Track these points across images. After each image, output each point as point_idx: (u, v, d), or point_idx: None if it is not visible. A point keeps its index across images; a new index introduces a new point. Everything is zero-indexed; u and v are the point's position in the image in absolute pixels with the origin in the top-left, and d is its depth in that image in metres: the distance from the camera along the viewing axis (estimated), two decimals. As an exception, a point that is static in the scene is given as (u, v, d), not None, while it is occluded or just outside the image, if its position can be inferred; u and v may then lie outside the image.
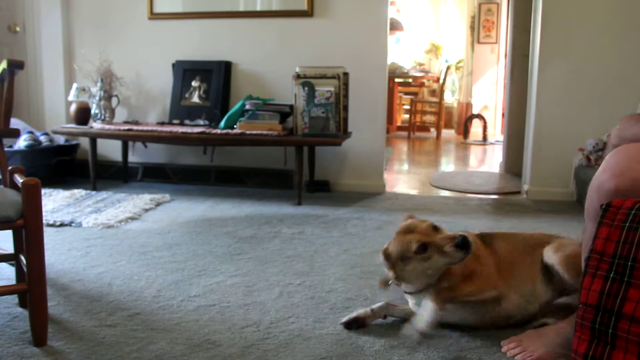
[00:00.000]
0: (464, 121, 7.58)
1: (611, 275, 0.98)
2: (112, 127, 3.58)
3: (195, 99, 3.82)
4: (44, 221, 1.98)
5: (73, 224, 2.80)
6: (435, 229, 1.54)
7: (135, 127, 3.54)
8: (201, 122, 3.69)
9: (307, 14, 3.71)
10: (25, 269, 1.54)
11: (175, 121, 3.76)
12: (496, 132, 7.79)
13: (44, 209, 2.31)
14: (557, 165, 3.53)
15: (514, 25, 4.62)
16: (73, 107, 3.80)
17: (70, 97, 3.82)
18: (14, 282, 1.86)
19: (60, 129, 3.73)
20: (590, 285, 1.00)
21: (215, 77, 3.80)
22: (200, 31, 3.88)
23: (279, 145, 3.57)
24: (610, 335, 0.96)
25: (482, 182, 4.18)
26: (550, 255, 1.62)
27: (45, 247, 1.54)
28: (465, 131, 7.33)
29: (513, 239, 1.75)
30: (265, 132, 3.31)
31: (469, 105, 8.17)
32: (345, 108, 3.45)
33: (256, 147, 3.82)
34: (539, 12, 3.49)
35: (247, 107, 3.46)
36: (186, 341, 1.56)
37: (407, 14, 8.63)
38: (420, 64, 8.58)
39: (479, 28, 8.05)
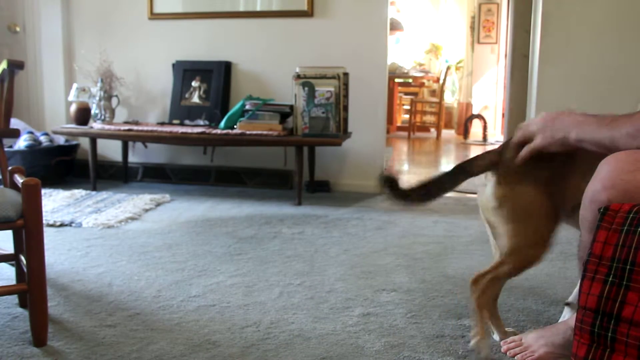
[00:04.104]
0: (464, 121, 7.58)
1: (610, 278, 0.98)
2: (112, 127, 3.58)
3: (195, 99, 3.82)
4: (44, 221, 1.98)
5: (73, 224, 2.80)
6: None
7: (135, 127, 3.55)
8: (201, 122, 3.69)
9: (307, 14, 3.71)
10: (25, 269, 1.54)
11: (175, 121, 3.76)
12: (496, 132, 7.79)
13: (44, 209, 2.31)
14: (557, 165, 3.53)
15: (514, 25, 4.62)
16: (73, 107, 3.80)
17: (70, 97, 3.83)
18: (14, 282, 1.86)
19: (60, 129, 3.74)
20: (589, 289, 1.00)
21: (215, 77, 3.81)
22: (200, 31, 3.88)
23: (279, 146, 3.57)
24: (609, 339, 0.96)
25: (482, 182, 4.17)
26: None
27: (45, 247, 1.54)
28: (465, 131, 7.33)
29: None
30: (265, 132, 3.31)
31: (469, 106, 8.17)
32: (345, 108, 3.45)
33: (256, 147, 3.82)
34: (539, 13, 3.49)
35: (247, 107, 3.46)
36: (186, 341, 1.56)
37: (407, 14, 8.62)
38: (420, 64, 8.58)
39: (479, 28, 8.05)
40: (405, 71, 7.86)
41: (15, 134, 2.37)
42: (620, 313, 0.95)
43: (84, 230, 2.72)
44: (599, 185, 1.08)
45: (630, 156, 1.07)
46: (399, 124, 8.21)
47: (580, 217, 1.16)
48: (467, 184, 1.59)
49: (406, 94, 8.38)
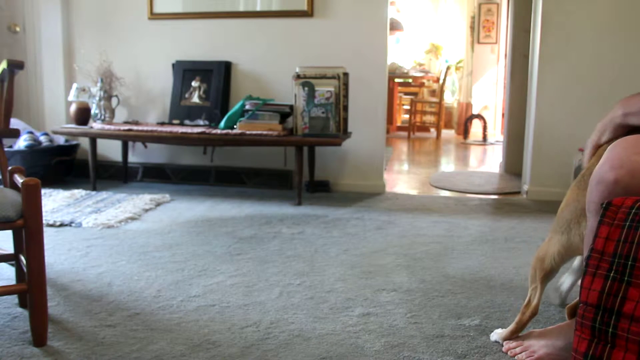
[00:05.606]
0: (464, 121, 7.58)
1: (611, 274, 0.98)
2: (112, 127, 3.58)
3: (195, 99, 3.81)
4: (44, 221, 1.98)
5: (73, 224, 2.80)
6: None
7: (135, 127, 3.54)
8: (201, 122, 3.69)
9: (307, 14, 3.71)
10: (25, 269, 1.54)
11: (175, 121, 3.76)
12: (496, 132, 7.79)
13: (44, 209, 2.31)
14: (557, 165, 3.53)
15: (514, 25, 4.62)
16: (73, 107, 3.80)
17: (70, 97, 3.82)
18: (14, 282, 1.86)
19: (60, 129, 3.73)
20: (590, 285, 1.00)
21: (215, 77, 3.80)
22: (200, 31, 3.88)
23: (279, 146, 3.57)
24: (610, 334, 0.96)
25: (482, 182, 4.18)
26: None
27: (45, 247, 1.54)
28: (465, 131, 7.33)
29: None
30: (265, 132, 3.31)
31: (468, 106, 8.17)
32: (345, 108, 3.45)
33: (256, 147, 3.82)
34: (539, 13, 3.49)
35: (247, 107, 3.46)
36: (186, 341, 1.56)
37: (407, 14, 8.63)
38: (420, 64, 8.59)
39: (479, 28, 8.05)
40: (405, 71, 7.86)
41: (15, 134, 2.36)
42: (621, 309, 0.95)
43: (83, 230, 2.72)
44: (607, 166, 1.07)
45: None
46: (399, 124, 8.21)
47: (587, 200, 1.14)
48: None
49: (406, 94, 8.38)
